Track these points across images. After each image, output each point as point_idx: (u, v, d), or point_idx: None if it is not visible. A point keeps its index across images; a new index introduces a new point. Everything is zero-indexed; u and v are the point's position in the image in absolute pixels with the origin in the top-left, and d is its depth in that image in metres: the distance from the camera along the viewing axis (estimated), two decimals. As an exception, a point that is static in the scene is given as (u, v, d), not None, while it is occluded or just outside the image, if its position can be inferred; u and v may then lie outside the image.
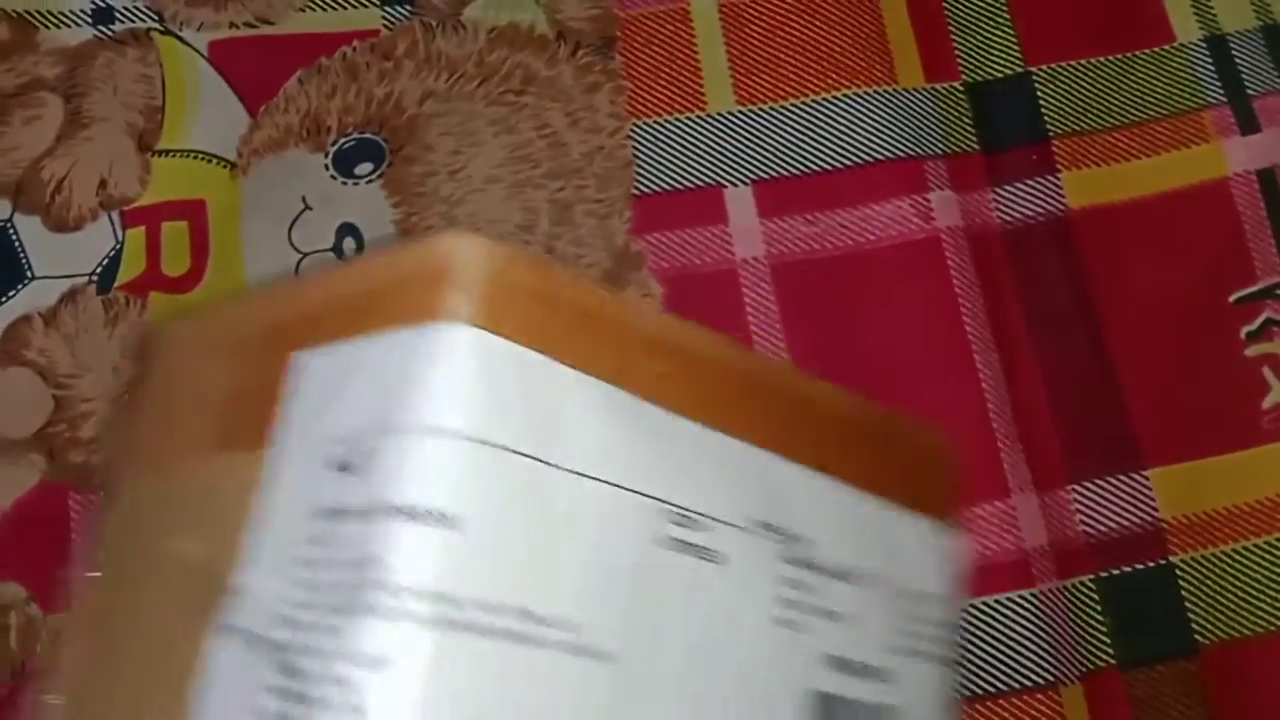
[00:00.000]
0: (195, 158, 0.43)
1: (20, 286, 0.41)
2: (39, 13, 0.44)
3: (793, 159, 0.43)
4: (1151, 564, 0.40)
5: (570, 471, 0.21)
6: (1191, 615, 0.39)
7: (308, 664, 0.19)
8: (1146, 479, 0.40)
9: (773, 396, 0.26)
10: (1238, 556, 0.40)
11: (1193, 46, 0.46)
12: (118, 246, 0.42)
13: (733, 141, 0.44)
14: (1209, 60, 0.45)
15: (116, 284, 0.41)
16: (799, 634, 0.25)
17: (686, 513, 0.23)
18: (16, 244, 0.42)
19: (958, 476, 0.31)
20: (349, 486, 0.20)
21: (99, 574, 0.28)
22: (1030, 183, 0.44)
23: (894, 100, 0.44)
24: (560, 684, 0.21)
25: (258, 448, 0.23)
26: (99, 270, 0.41)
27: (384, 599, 0.19)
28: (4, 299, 0.41)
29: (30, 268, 0.42)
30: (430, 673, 0.19)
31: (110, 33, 0.44)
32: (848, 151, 0.43)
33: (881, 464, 0.28)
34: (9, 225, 0.42)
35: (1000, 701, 0.38)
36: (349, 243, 0.42)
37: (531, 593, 0.20)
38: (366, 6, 0.45)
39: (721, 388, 0.25)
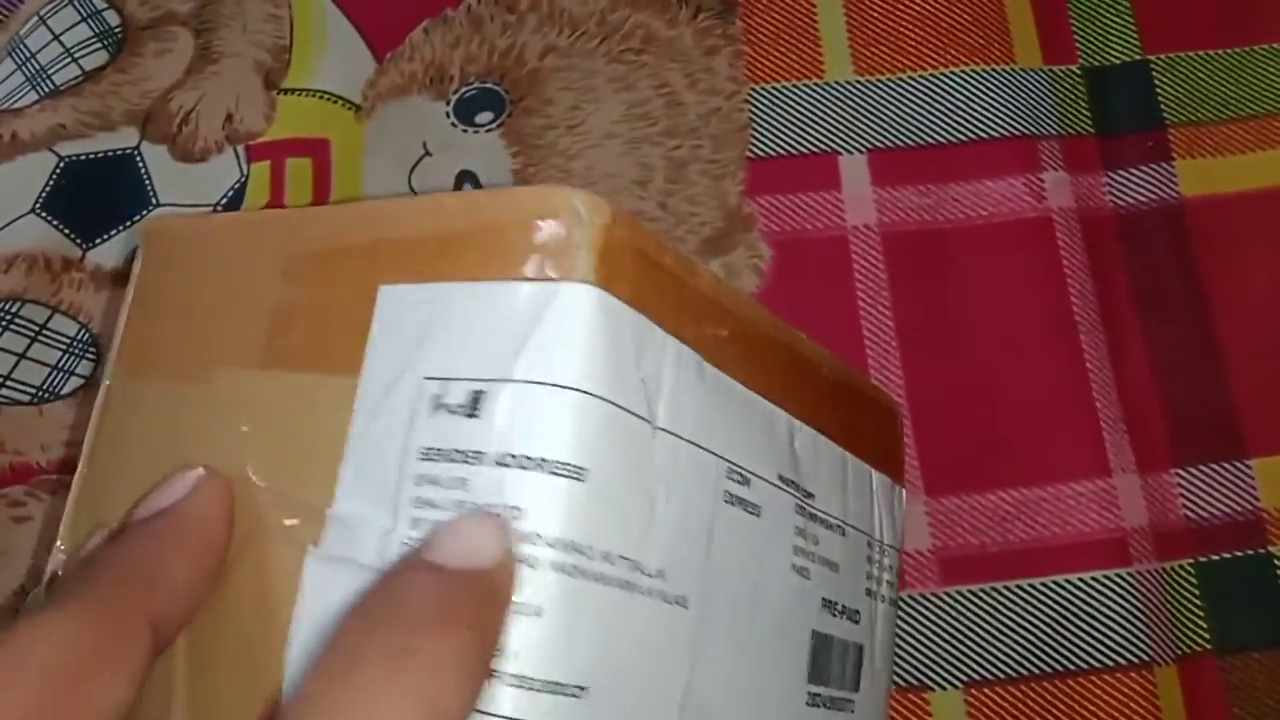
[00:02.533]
0: (320, 98, 0.44)
1: (145, 212, 0.42)
2: (176, -51, 0.45)
3: (908, 131, 0.44)
4: (1250, 552, 0.40)
5: (666, 431, 0.22)
6: (1289, 606, 0.39)
7: None
8: (1249, 468, 0.40)
9: (789, 358, 0.27)
10: (1338, 551, 0.39)
11: (1312, 44, 0.46)
12: (243, 179, 0.43)
13: (849, 110, 0.44)
14: (1329, 58, 0.45)
15: (240, 215, 0.42)
16: (806, 580, 0.27)
17: (740, 469, 0.24)
18: (143, 171, 0.43)
19: (902, 439, 0.33)
20: (465, 430, 0.20)
21: (90, 468, 0.27)
22: (1144, 169, 0.44)
23: (1011, 79, 0.44)
24: (655, 628, 0.22)
25: (339, 374, 0.22)
26: (224, 201, 0.42)
27: (523, 546, 0.20)
28: (130, 223, 0.42)
29: (155, 195, 0.43)
30: (568, 616, 0.20)
31: (243, -28, 0.45)
32: (963, 127, 0.44)
33: (856, 424, 0.30)
34: (136, 153, 0.43)
35: (1093, 678, 0.38)
36: (468, 189, 0.43)
37: (638, 544, 0.21)
38: (493, -40, 0.46)
39: (757, 350, 0.26)
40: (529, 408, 0.20)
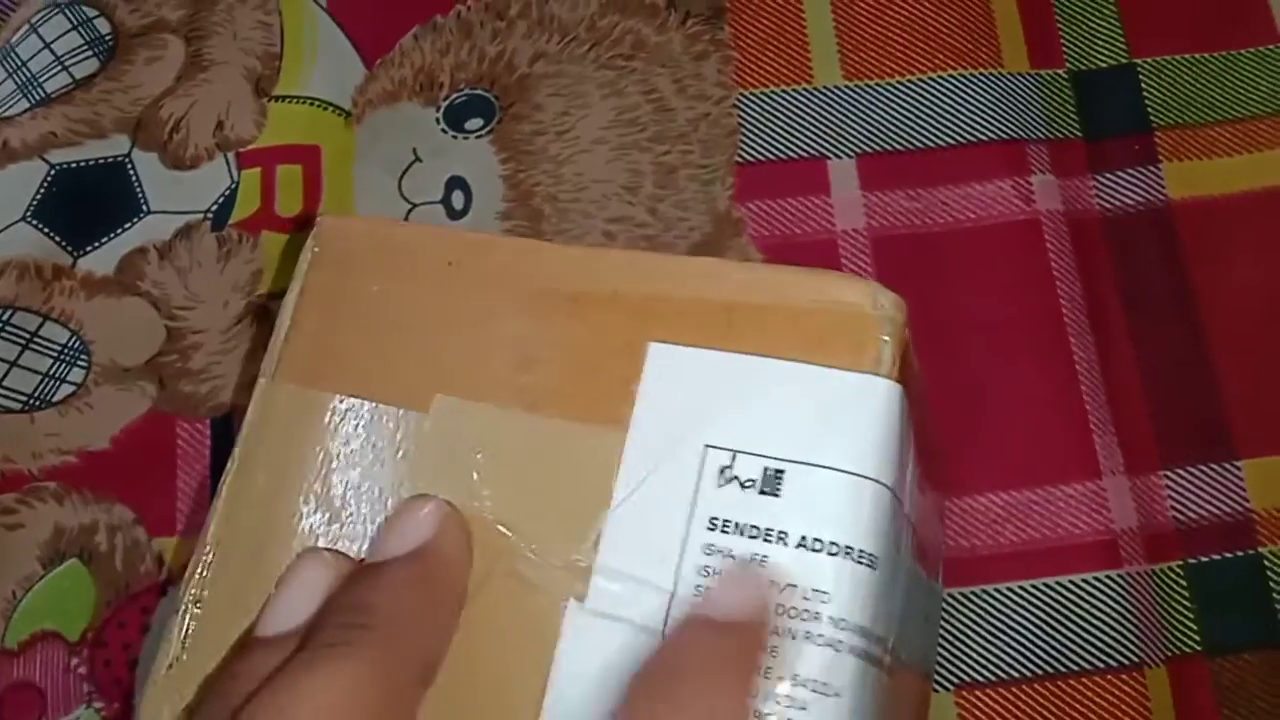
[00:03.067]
0: (311, 104, 0.44)
1: (136, 219, 0.42)
2: (166, -43, 0.45)
3: (897, 135, 0.44)
4: (1240, 553, 0.40)
5: (907, 517, 0.23)
6: (1279, 607, 0.39)
7: None
8: (1239, 469, 0.40)
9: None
10: (1327, 551, 0.40)
11: (1297, 48, 0.46)
12: (233, 186, 0.43)
13: (838, 115, 0.44)
14: (1315, 61, 0.45)
15: (230, 221, 0.42)
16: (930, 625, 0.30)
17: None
18: (134, 179, 0.43)
19: None
20: (762, 507, 0.21)
21: (245, 470, 0.26)
22: (1131, 172, 0.44)
23: (999, 84, 0.45)
24: (892, 703, 0.23)
25: (601, 424, 0.22)
26: (214, 208, 0.42)
27: (830, 629, 0.20)
28: (120, 231, 0.42)
29: (146, 202, 0.43)
30: (862, 699, 0.21)
31: (233, -21, 0.45)
32: (951, 131, 0.44)
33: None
34: (127, 160, 0.43)
35: (1084, 680, 0.38)
36: (458, 195, 0.43)
37: (892, 627, 0.22)
38: (483, -33, 0.46)
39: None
40: (834, 494, 0.21)
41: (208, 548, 0.26)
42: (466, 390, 0.24)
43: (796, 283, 0.22)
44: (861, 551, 0.21)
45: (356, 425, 0.25)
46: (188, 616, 0.25)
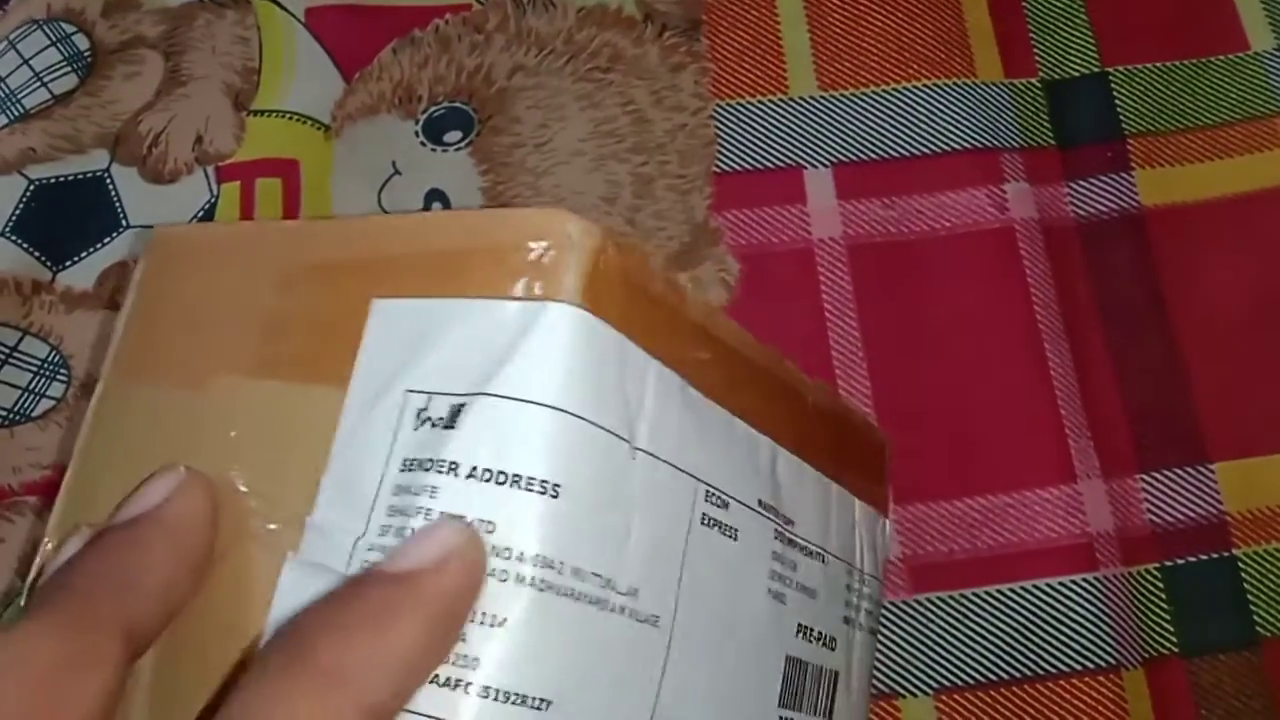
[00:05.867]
0: (290, 118, 0.44)
1: (116, 234, 0.43)
2: (145, -27, 0.46)
3: (872, 144, 0.44)
4: (1215, 555, 0.40)
5: (646, 452, 0.22)
6: (1254, 608, 0.39)
7: None
8: (1212, 472, 0.41)
9: (773, 386, 0.28)
10: (1301, 553, 0.40)
11: (1266, 55, 0.47)
12: (212, 200, 0.43)
13: (814, 125, 0.44)
14: (1282, 69, 0.46)
15: (210, 235, 0.42)
16: (782, 605, 0.27)
17: (720, 493, 0.25)
18: (113, 193, 0.43)
19: (891, 471, 0.34)
20: (441, 440, 0.21)
21: (80, 469, 0.27)
22: (1104, 179, 0.45)
23: (973, 93, 0.45)
24: (625, 646, 0.22)
25: (328, 384, 0.23)
26: (194, 221, 0.43)
27: (494, 559, 0.20)
28: (100, 245, 0.42)
29: (126, 216, 0.43)
30: (536, 630, 0.20)
31: (212, -5, 0.46)
32: (926, 140, 0.44)
33: (843, 453, 0.31)
34: (106, 175, 0.43)
35: (1061, 682, 0.38)
36: (436, 208, 0.43)
37: (611, 562, 0.22)
38: (460, -19, 0.46)
39: (740, 374, 0.26)
40: (505, 423, 0.21)
41: (47, 541, 0.27)
42: (233, 366, 0.25)
43: (501, 223, 0.22)
44: (536, 480, 0.20)
45: (153, 414, 0.26)
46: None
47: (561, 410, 0.21)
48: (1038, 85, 0.46)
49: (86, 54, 0.45)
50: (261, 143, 0.44)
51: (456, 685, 0.19)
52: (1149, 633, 0.39)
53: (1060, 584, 0.39)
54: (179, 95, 0.44)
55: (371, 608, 0.19)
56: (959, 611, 0.39)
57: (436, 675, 0.20)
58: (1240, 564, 0.40)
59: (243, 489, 0.24)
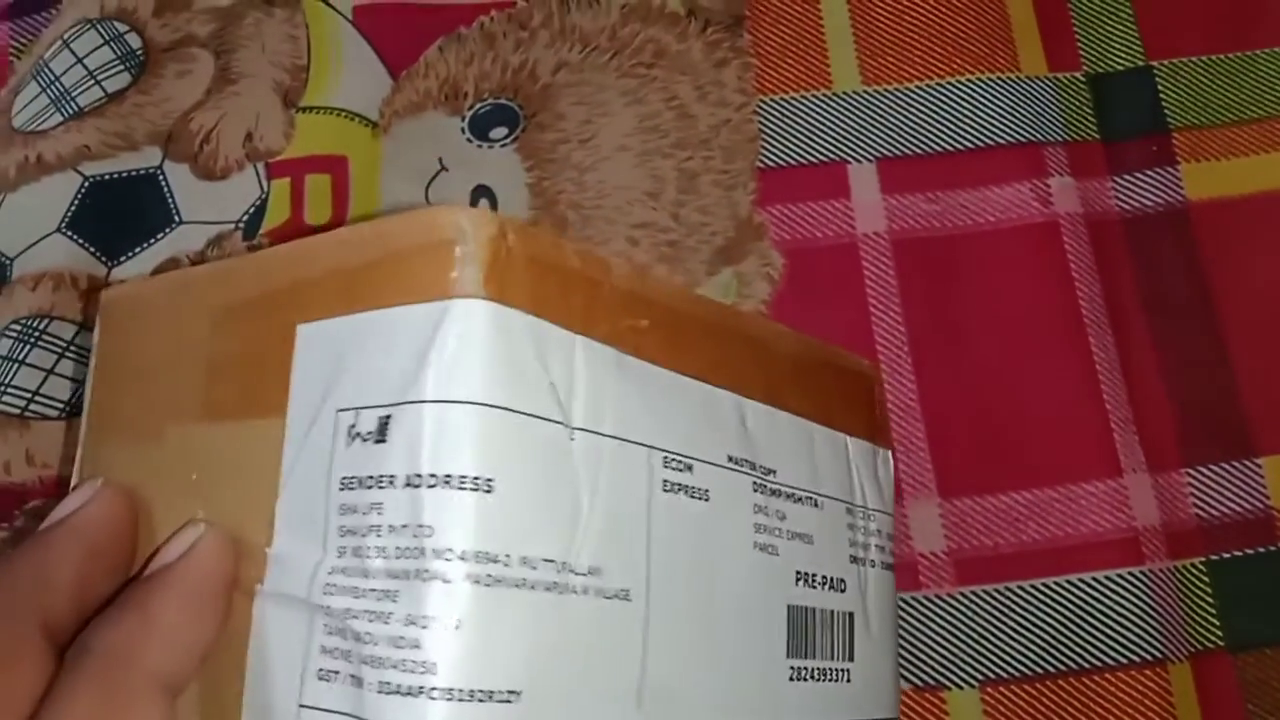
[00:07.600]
0: (338, 115, 0.45)
1: (168, 230, 0.43)
2: (196, -28, 0.46)
3: (916, 139, 0.44)
4: (1261, 550, 0.40)
5: (585, 430, 0.23)
6: (1301, 602, 0.40)
7: (360, 626, 0.21)
8: (1259, 466, 0.41)
9: (731, 340, 0.28)
10: (1349, 547, 0.40)
11: (1313, 48, 0.46)
12: (263, 196, 0.44)
13: (857, 120, 0.45)
14: (1331, 61, 0.46)
15: (261, 231, 0.43)
16: (774, 556, 0.27)
17: (679, 456, 0.25)
18: (166, 190, 0.44)
19: (884, 401, 0.34)
20: (376, 455, 0.21)
21: None
22: (1149, 173, 0.44)
23: (1016, 87, 0.45)
24: (595, 625, 0.22)
25: (270, 416, 0.23)
26: (244, 218, 0.43)
27: (436, 563, 0.20)
28: (153, 241, 0.43)
29: (178, 213, 0.44)
30: (487, 625, 0.20)
31: (261, -6, 0.46)
32: (970, 134, 0.44)
33: (824, 394, 0.30)
34: (159, 172, 0.44)
35: (1107, 675, 0.38)
36: (483, 204, 0.44)
37: (564, 545, 0.22)
38: (505, -22, 0.47)
39: (689, 335, 0.26)
40: (431, 427, 0.21)
41: None
42: (183, 415, 0.26)
43: (403, 228, 0.22)
44: (466, 478, 0.20)
45: (122, 473, 0.27)
46: None
47: (483, 405, 0.21)
48: (1081, 79, 0.46)
49: (139, 52, 0.46)
50: (311, 139, 0.44)
51: (420, 693, 0.20)
52: (1195, 627, 0.39)
53: (1106, 577, 0.39)
54: (229, 93, 0.45)
55: (136, 597, 0.22)
56: (1004, 604, 0.39)
57: (397, 686, 0.20)
58: (1287, 558, 0.40)
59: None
